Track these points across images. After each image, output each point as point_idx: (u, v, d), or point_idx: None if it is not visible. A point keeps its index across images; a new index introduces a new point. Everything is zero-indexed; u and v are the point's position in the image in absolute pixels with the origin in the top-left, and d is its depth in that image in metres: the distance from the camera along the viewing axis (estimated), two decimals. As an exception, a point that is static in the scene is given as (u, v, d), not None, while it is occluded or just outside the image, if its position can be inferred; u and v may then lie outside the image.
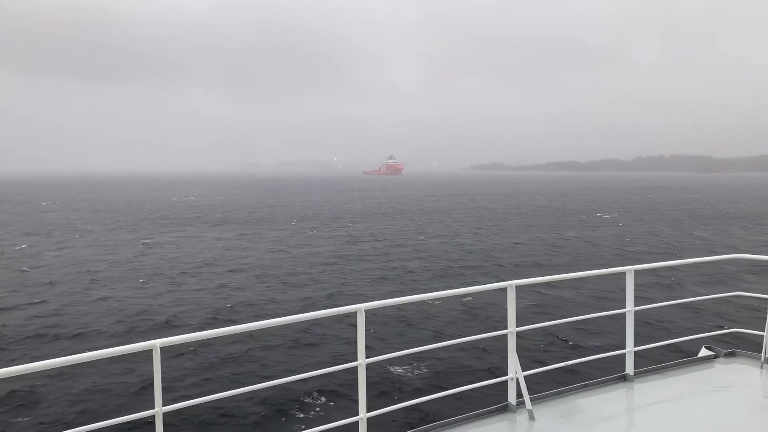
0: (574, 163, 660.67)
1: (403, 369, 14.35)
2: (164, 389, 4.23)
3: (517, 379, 5.67)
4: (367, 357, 4.96)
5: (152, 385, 4.17)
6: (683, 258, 29.41)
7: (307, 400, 12.68)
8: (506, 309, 5.76)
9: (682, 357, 7.27)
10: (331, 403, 12.54)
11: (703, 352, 7.33)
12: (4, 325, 18.35)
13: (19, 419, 11.80)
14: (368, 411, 4.97)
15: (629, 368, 6.56)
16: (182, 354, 15.18)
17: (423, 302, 20.10)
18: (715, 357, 7.19)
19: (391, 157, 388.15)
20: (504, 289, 5.77)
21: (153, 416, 4.12)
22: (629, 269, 6.48)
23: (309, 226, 50.70)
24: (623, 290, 6.57)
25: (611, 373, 6.68)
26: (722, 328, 16.30)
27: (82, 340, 17.02)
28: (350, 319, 17.34)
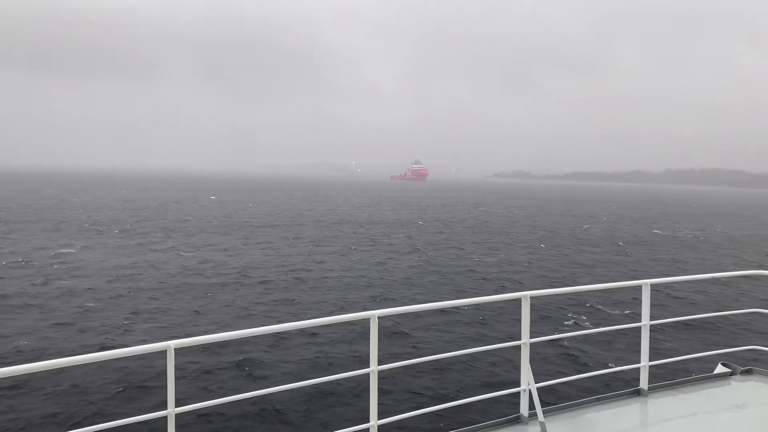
0: (601, 174, 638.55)
1: (415, 377, 14.30)
2: (177, 390, 4.27)
3: (530, 390, 5.64)
4: (379, 364, 4.96)
5: (165, 385, 4.21)
6: (701, 273, 29.06)
7: (318, 406, 12.68)
8: (520, 320, 5.74)
9: (698, 373, 7.18)
10: (343, 410, 12.54)
11: (720, 368, 7.23)
12: (19, 323, 18.60)
13: (33, 416, 11.92)
14: (379, 418, 4.97)
15: (643, 383, 6.49)
16: (196, 356, 15.26)
17: (436, 310, 20.05)
18: (732, 374, 7.09)
19: (417, 162, 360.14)
20: (518, 300, 5.75)
21: (165, 417, 4.16)
22: (645, 283, 6.42)
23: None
24: (639, 304, 6.51)
25: (625, 388, 6.61)
26: (739, 344, 16.07)
27: (99, 339, 17.19)
28: (363, 325, 17.34)
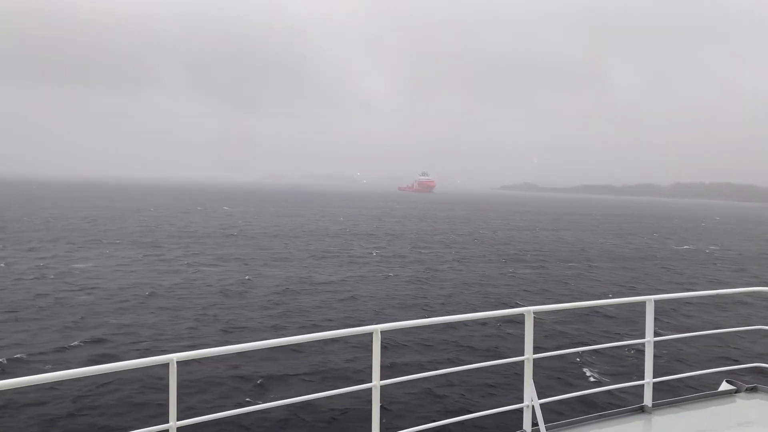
0: (609, 187, 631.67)
1: (417, 392, 14.24)
2: (179, 404, 4.27)
3: (533, 406, 5.61)
4: (381, 379, 4.95)
5: (167, 399, 4.20)
6: (705, 289, 28.94)
7: (320, 420, 12.63)
8: (524, 335, 5.73)
9: (702, 390, 7.14)
10: (345, 424, 12.48)
11: (724, 386, 7.18)
12: (22, 335, 18.60)
13: (33, 430, 11.89)
14: None
15: (647, 400, 6.45)
16: (198, 369, 15.23)
17: (439, 325, 19.98)
18: (737, 391, 7.04)
19: (423, 174, 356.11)
20: (522, 315, 5.74)
21: (167, 430, 4.15)
22: (649, 299, 6.41)
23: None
24: (643, 320, 6.49)
25: (629, 404, 6.58)
26: (744, 361, 15.97)
27: (102, 350, 17.17)
28: (366, 339, 17.29)
